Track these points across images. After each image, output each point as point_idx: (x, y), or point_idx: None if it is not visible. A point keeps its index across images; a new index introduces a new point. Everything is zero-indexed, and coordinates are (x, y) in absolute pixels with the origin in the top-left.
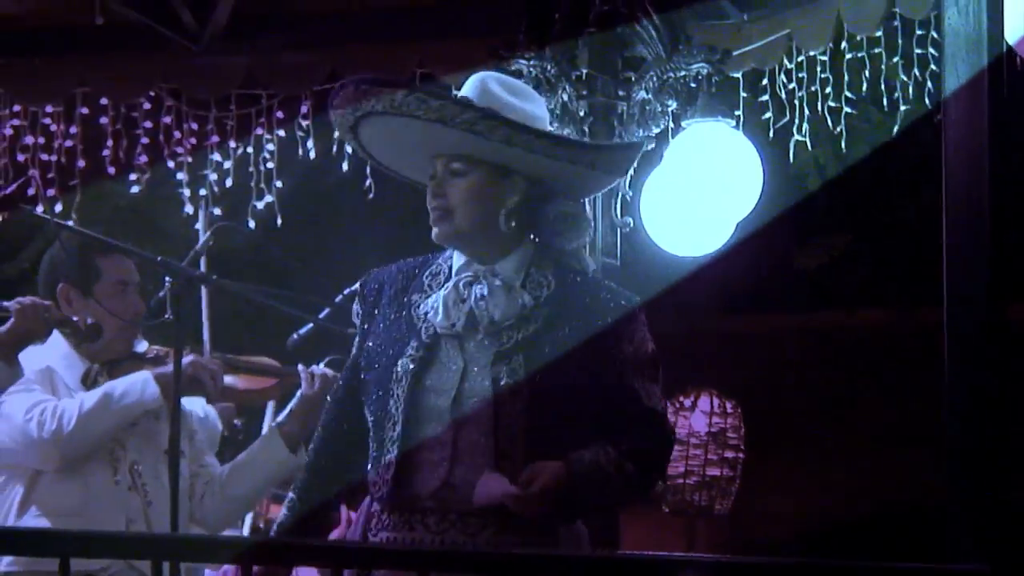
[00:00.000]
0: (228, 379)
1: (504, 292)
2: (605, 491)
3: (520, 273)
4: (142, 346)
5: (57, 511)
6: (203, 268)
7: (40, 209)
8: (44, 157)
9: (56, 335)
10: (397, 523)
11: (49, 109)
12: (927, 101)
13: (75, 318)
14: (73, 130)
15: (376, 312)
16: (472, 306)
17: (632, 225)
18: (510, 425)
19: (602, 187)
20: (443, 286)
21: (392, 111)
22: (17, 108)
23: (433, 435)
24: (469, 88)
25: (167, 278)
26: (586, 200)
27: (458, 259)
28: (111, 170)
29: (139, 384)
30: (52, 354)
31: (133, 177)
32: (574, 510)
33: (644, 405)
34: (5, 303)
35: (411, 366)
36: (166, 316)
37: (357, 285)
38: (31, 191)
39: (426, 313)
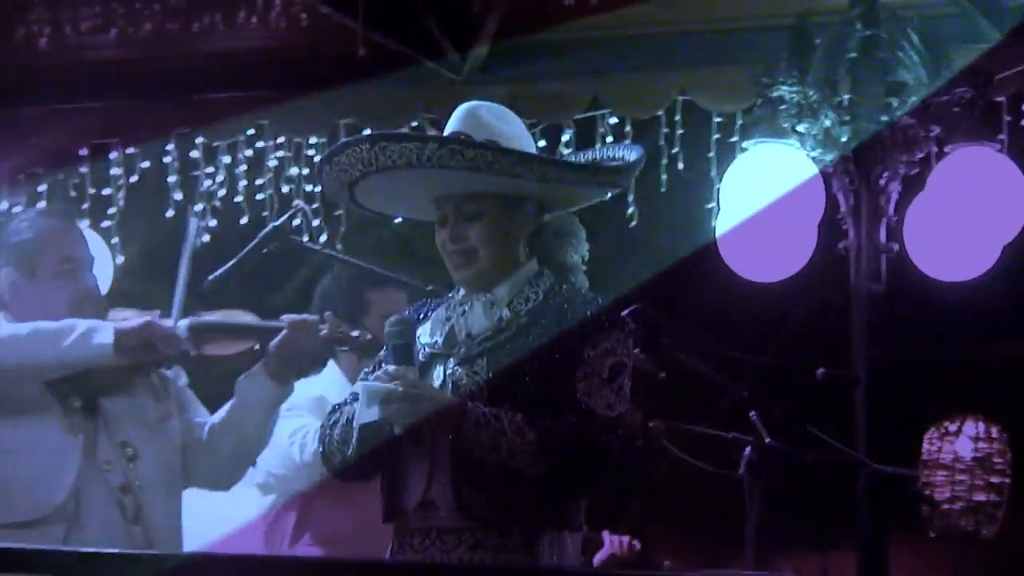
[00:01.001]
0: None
1: (485, 308)
2: (495, 445)
3: (513, 291)
4: None
5: (329, 538)
6: None
7: (306, 239)
8: (308, 188)
9: (331, 366)
10: (398, 546)
11: (313, 140)
12: None
13: (354, 333)
14: None
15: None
16: (453, 323)
17: (896, 250)
18: None
19: (598, 198)
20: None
21: (416, 164)
22: (281, 140)
23: (415, 452)
24: (462, 122)
25: None
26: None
27: (464, 289)
28: None
29: None
30: (326, 382)
31: None
32: (464, 459)
33: (577, 397)
34: (276, 321)
35: None
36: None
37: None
38: (296, 222)
39: (421, 338)
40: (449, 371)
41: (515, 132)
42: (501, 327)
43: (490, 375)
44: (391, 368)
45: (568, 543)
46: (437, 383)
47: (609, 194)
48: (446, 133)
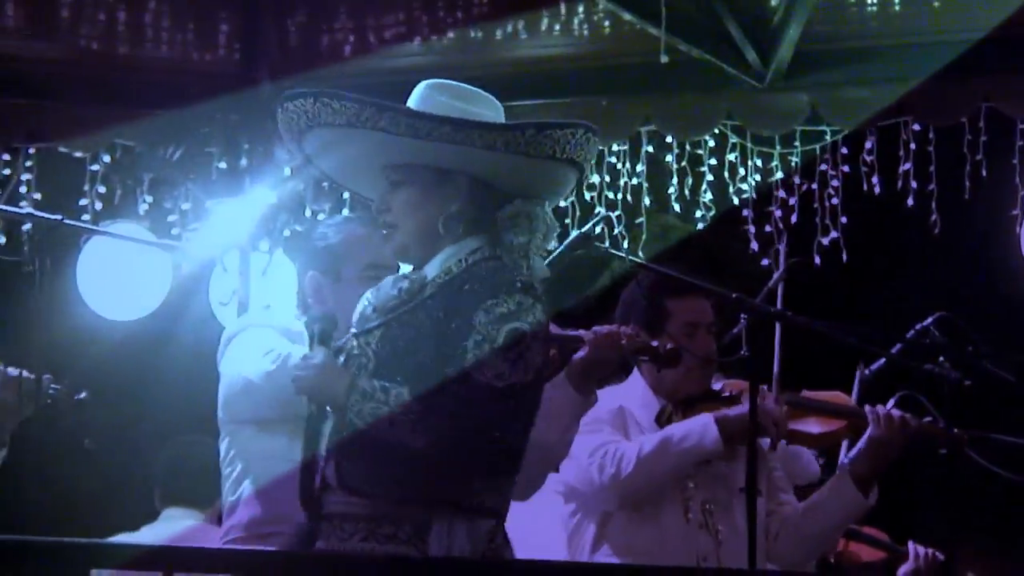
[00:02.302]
0: (796, 423)
1: (394, 281)
2: (377, 416)
3: (442, 267)
4: (718, 385)
5: (630, 550)
6: (777, 304)
7: (607, 246)
8: (609, 195)
9: (635, 375)
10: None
11: (615, 147)
12: None
13: (655, 343)
14: (639, 168)
15: None
16: (368, 298)
17: None
18: None
19: (553, 182)
20: None
21: (355, 125)
22: None
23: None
24: (412, 99)
25: (742, 315)
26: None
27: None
28: (676, 207)
29: (699, 428)
30: (628, 393)
31: (698, 214)
32: (345, 431)
33: (465, 368)
34: (581, 332)
35: None
36: (741, 352)
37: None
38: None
39: None
40: (348, 345)
41: (466, 108)
42: (401, 298)
43: (379, 346)
44: (308, 353)
45: (462, 531)
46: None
47: (569, 179)
48: None
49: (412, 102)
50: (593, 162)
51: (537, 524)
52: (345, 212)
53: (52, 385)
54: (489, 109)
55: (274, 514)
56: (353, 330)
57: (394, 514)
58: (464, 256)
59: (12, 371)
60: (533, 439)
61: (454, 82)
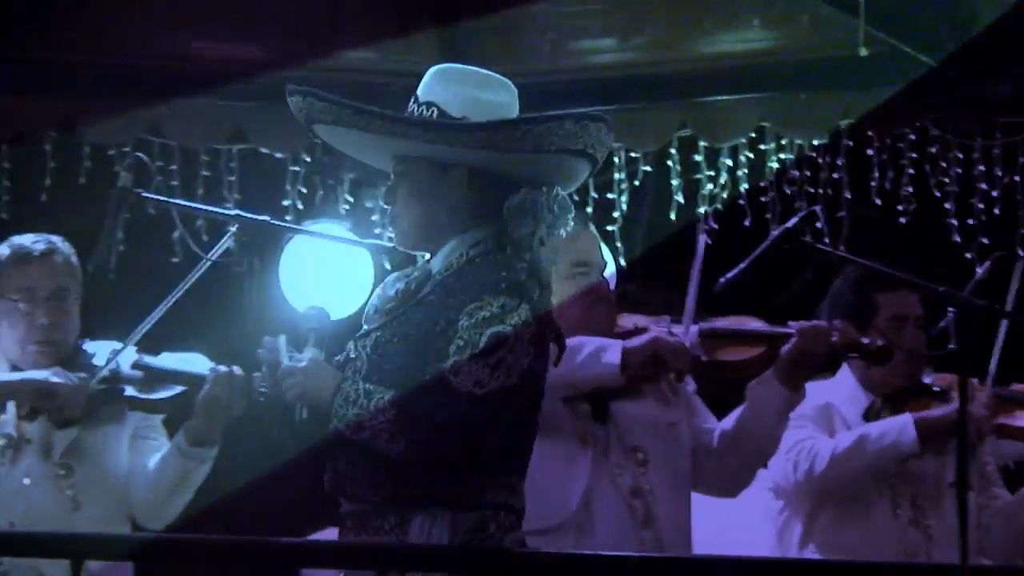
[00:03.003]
0: (1006, 417)
1: (392, 281)
2: (360, 423)
3: (444, 262)
4: (928, 379)
5: (837, 548)
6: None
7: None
8: (810, 190)
9: (843, 370)
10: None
11: (816, 142)
12: None
13: (865, 340)
14: (840, 162)
15: None
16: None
17: None
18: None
19: (564, 172)
20: None
21: (339, 124)
22: (784, 141)
23: None
24: (421, 86)
25: (949, 308)
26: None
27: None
28: (877, 201)
29: (897, 427)
30: (836, 389)
31: (900, 208)
32: (334, 437)
33: (444, 373)
34: (786, 327)
35: None
36: (950, 346)
37: None
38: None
39: None
40: (348, 348)
41: (458, 90)
42: (399, 299)
43: (372, 350)
44: (298, 355)
45: (446, 525)
46: None
47: (577, 166)
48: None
49: (420, 89)
50: (793, 156)
51: (747, 522)
52: None
53: (262, 384)
54: (501, 92)
55: None
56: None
57: (379, 510)
58: (466, 249)
59: (223, 369)
60: (742, 436)
61: (463, 66)
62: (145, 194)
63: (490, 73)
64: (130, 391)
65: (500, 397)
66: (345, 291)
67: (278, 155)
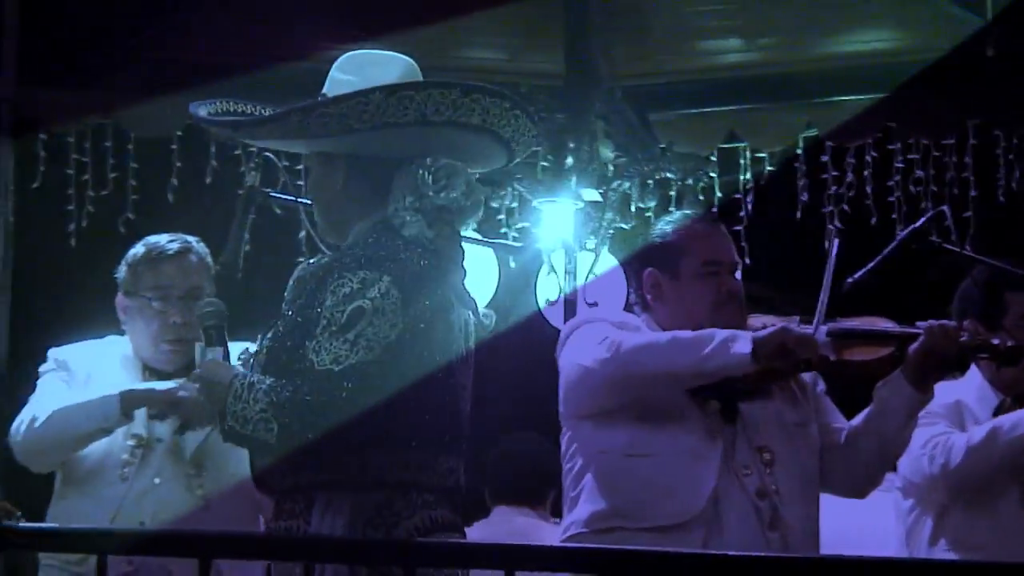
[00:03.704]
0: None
1: (298, 271)
2: (244, 415)
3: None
4: None
5: (966, 544)
6: None
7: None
8: (934, 189)
9: (972, 370)
10: None
11: (943, 142)
12: None
13: (995, 341)
14: (967, 161)
15: None
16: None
17: None
18: None
19: (473, 154)
20: None
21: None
22: (910, 141)
23: None
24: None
25: None
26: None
27: None
28: (1001, 200)
29: None
30: (965, 388)
31: None
32: (228, 433)
33: (307, 357)
34: (915, 327)
35: None
36: None
37: None
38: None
39: None
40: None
41: (336, 76)
42: (292, 290)
43: (270, 341)
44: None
45: (344, 504)
46: None
47: (498, 152)
48: None
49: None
50: (920, 156)
51: (877, 522)
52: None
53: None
54: (392, 69)
55: (614, 509)
56: None
57: (286, 497)
58: (361, 234)
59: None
60: (870, 436)
61: (368, 51)
62: (273, 193)
63: (386, 52)
64: None
65: (361, 371)
66: (470, 290)
67: None
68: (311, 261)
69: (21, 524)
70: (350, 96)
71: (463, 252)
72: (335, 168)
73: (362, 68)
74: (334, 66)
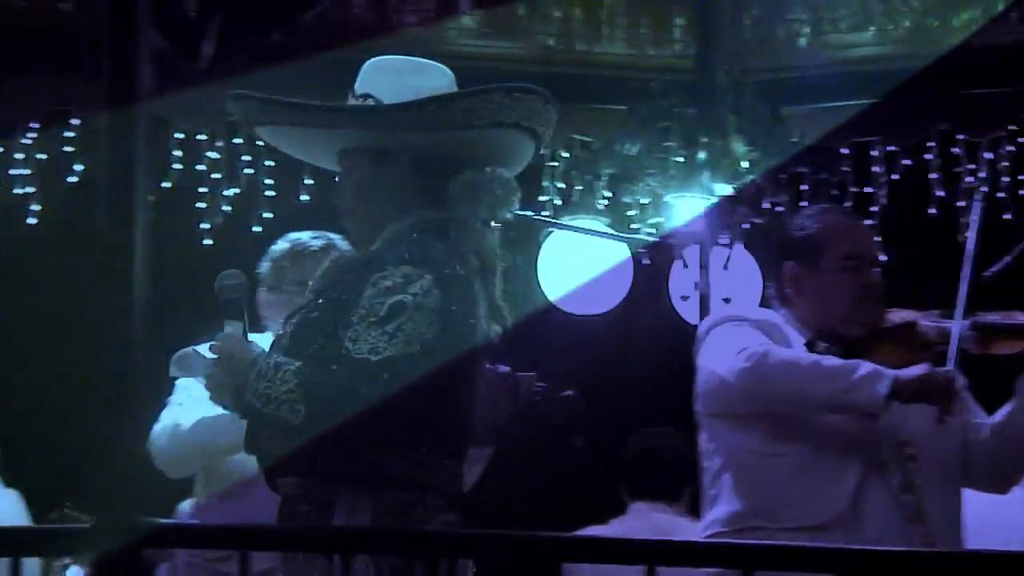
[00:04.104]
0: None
1: (329, 261)
2: (268, 395)
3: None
4: None
5: None
6: None
7: None
8: None
9: None
10: None
11: None
12: None
13: None
14: None
15: None
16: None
17: None
18: None
19: (503, 149)
20: None
21: (256, 121)
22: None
23: None
24: (358, 79)
25: None
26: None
27: None
28: None
29: None
30: None
31: None
32: (247, 411)
33: (343, 345)
34: None
35: None
36: None
37: None
38: None
39: None
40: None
41: (393, 80)
42: (322, 278)
43: (296, 326)
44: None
45: (366, 505)
46: None
47: (519, 144)
48: None
49: (358, 84)
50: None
51: (1012, 517)
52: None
53: (537, 383)
54: (436, 77)
55: (753, 509)
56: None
57: (302, 494)
58: (401, 229)
59: (502, 369)
60: (1012, 431)
61: (399, 57)
62: None
63: (426, 61)
64: None
65: (397, 365)
66: (604, 286)
67: None
68: (344, 252)
69: (176, 522)
70: (477, 92)
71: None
72: (393, 167)
73: (421, 72)
74: (381, 67)
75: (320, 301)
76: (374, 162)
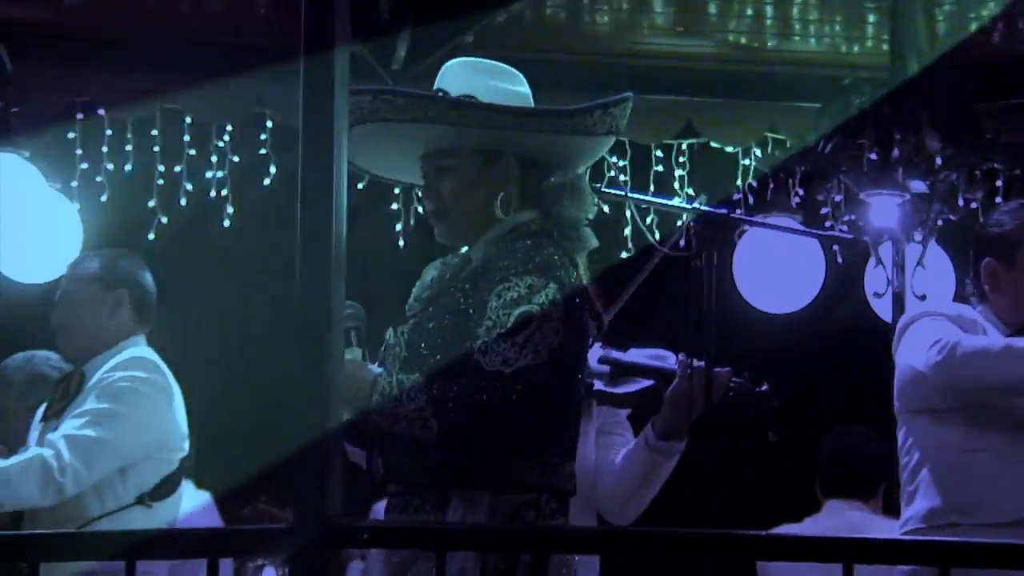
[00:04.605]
0: None
1: (432, 268)
2: (395, 413)
3: (487, 249)
4: None
5: None
6: None
7: None
8: None
9: None
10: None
11: None
12: None
13: None
14: None
15: None
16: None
17: None
18: None
19: (594, 152)
20: None
21: (365, 119)
22: None
23: None
24: (442, 78)
25: None
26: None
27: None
28: None
29: None
30: None
31: None
32: (374, 429)
33: (472, 355)
34: None
35: None
36: None
37: None
38: None
39: None
40: (387, 337)
41: (501, 86)
42: (434, 287)
43: (410, 336)
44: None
45: (485, 508)
46: None
47: (598, 147)
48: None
49: (445, 83)
50: None
51: None
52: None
53: (733, 379)
54: (513, 81)
55: (950, 505)
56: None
57: (419, 494)
58: (505, 234)
59: (697, 364)
60: None
61: (478, 59)
62: (604, 188)
63: (503, 64)
64: (598, 385)
65: (529, 375)
66: (797, 284)
67: (728, 149)
68: (445, 259)
69: (374, 521)
70: (620, 100)
71: None
72: (502, 167)
73: (506, 75)
74: (469, 68)
75: (431, 310)
76: (478, 161)
